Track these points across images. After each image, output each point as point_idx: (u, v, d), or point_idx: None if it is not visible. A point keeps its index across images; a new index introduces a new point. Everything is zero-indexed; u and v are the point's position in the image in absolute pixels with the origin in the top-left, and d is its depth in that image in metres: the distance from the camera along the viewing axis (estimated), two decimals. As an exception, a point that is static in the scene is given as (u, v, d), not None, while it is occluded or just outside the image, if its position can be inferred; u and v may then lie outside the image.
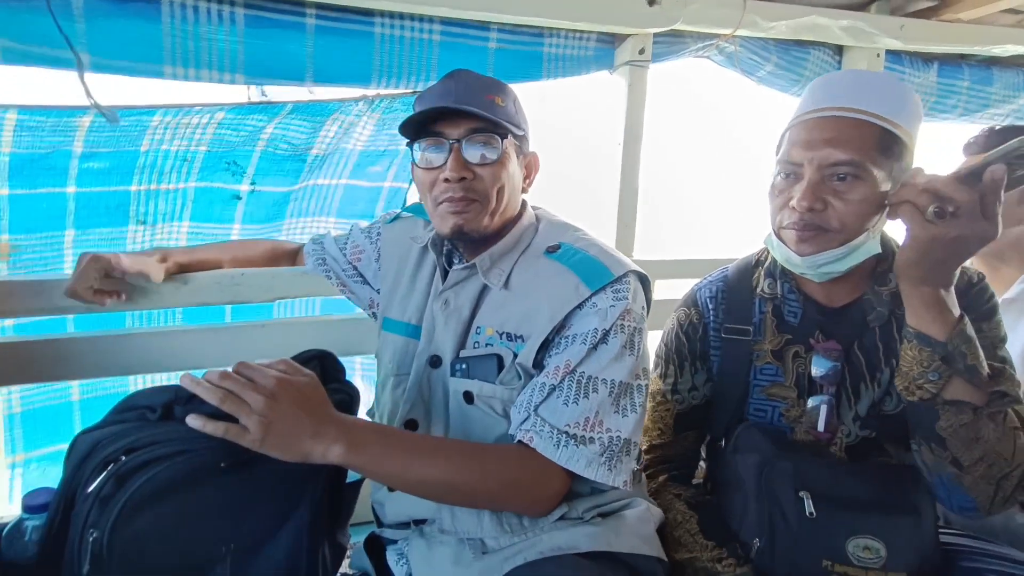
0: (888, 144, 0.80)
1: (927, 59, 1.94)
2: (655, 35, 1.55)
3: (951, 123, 2.06)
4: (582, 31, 1.53)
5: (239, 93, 1.50)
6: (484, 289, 0.94)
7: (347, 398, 0.98)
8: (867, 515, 0.85)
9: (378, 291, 1.11)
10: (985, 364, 0.76)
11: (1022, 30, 1.90)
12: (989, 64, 2.05)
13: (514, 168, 0.92)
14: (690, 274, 1.61)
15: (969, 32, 1.77)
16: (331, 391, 0.81)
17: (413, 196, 1.65)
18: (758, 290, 0.98)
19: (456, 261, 0.98)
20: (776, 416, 0.95)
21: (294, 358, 1.01)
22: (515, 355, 0.88)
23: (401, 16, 1.39)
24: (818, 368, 0.91)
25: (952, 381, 0.75)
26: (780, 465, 0.89)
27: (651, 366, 1.08)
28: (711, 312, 1.00)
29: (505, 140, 0.89)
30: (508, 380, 0.89)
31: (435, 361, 0.96)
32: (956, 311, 0.75)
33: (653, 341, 0.99)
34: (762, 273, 0.99)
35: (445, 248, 1.00)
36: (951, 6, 1.68)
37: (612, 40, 1.57)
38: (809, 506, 0.86)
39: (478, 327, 0.93)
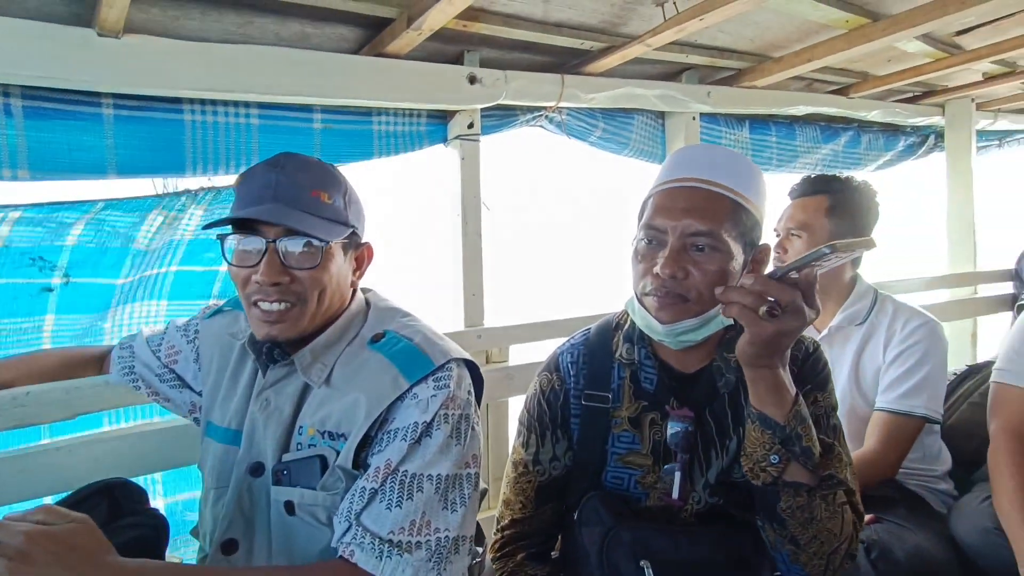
0: (740, 217, 0.85)
1: (739, 119, 2.16)
2: (483, 110, 1.60)
3: (771, 173, 2.30)
4: (409, 109, 1.55)
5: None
6: (306, 387, 0.88)
7: (149, 532, 0.87)
8: None
9: (200, 394, 1.02)
10: (817, 443, 0.79)
11: (810, 93, 2.18)
12: (791, 122, 2.32)
13: (339, 266, 0.88)
14: (542, 336, 1.64)
15: (766, 96, 2.00)
16: (123, 528, 0.70)
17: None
18: (617, 355, 0.98)
19: (277, 358, 0.91)
20: (632, 484, 0.94)
21: (72, 495, 0.88)
22: (338, 454, 0.83)
23: (213, 103, 1.33)
24: (672, 435, 0.91)
25: (790, 464, 0.78)
26: (620, 535, 0.89)
27: (515, 434, 1.06)
28: (572, 377, 0.99)
29: (329, 244, 0.85)
30: (331, 484, 0.83)
31: (256, 469, 0.88)
32: (792, 390, 0.78)
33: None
34: (621, 337, 0.99)
35: (265, 345, 0.92)
36: (749, 75, 1.89)
37: (444, 116, 1.61)
38: (649, 575, 0.87)
39: (300, 427, 0.87)
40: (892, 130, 2.69)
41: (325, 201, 0.86)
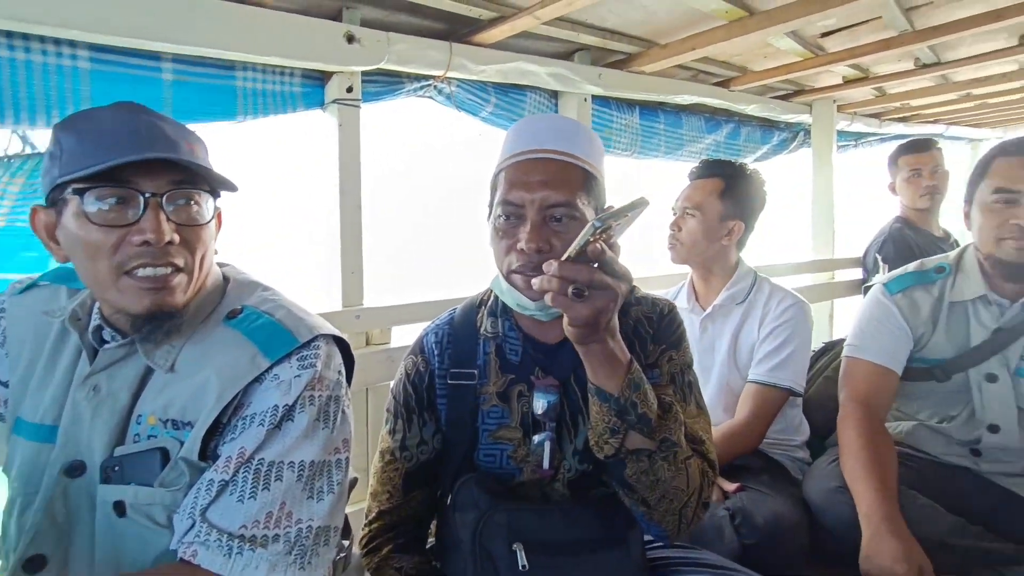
0: (592, 185, 0.85)
1: (629, 104, 2.20)
2: (365, 74, 1.48)
3: (660, 160, 2.37)
4: (280, 67, 1.40)
5: None
6: (148, 371, 0.76)
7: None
8: (578, 558, 0.86)
9: (6, 384, 0.84)
10: (655, 407, 0.79)
11: (695, 83, 2.26)
12: (678, 111, 2.41)
13: (213, 229, 0.80)
14: (425, 317, 1.56)
15: (654, 83, 2.05)
16: None
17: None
18: (482, 330, 0.96)
19: (109, 339, 0.78)
20: (504, 459, 0.92)
21: None
22: (182, 445, 0.72)
23: (25, 37, 1.11)
24: (539, 405, 0.90)
25: (629, 433, 0.78)
26: (493, 519, 0.87)
27: (383, 421, 1.01)
28: (436, 358, 0.96)
29: (214, 198, 0.76)
30: (171, 480, 0.72)
31: (75, 469, 0.75)
32: (625, 358, 0.78)
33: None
34: (485, 313, 0.98)
35: (93, 322, 0.79)
36: (637, 59, 1.92)
37: (321, 77, 1.48)
38: (522, 558, 0.85)
39: (139, 416, 0.75)
40: (768, 125, 2.88)
41: (199, 154, 0.76)
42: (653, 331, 0.94)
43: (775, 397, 1.40)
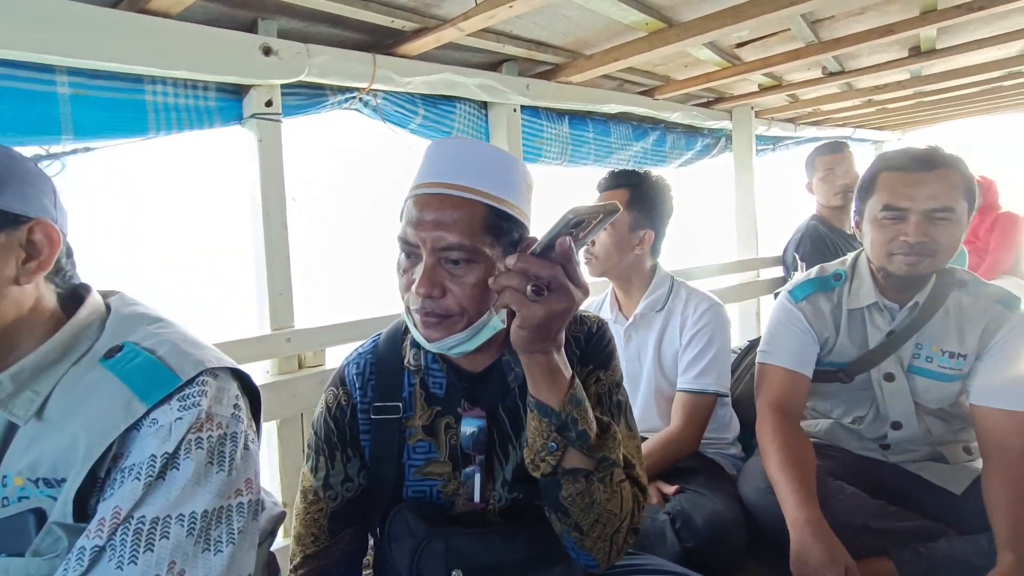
0: (499, 225, 0.78)
1: (559, 114, 2.23)
2: (285, 87, 1.43)
3: (589, 167, 2.41)
4: (193, 80, 1.33)
5: None
6: (11, 425, 0.68)
7: None
8: None
9: None
10: (593, 425, 0.77)
11: (622, 93, 2.32)
12: (607, 119, 2.46)
13: None
14: (360, 336, 1.52)
15: (582, 93, 2.08)
16: None
17: None
18: (406, 361, 0.91)
19: None
20: (435, 494, 0.89)
21: None
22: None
23: None
24: (467, 437, 0.87)
25: (568, 451, 0.76)
26: (431, 547, 0.83)
27: (304, 459, 0.95)
28: (358, 391, 0.90)
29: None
30: (47, 547, 0.64)
31: None
32: (568, 373, 0.76)
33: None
34: (409, 342, 0.92)
35: None
36: (564, 70, 1.95)
37: (238, 91, 1.41)
38: None
39: (4, 477, 0.67)
40: (692, 131, 3.00)
41: None
42: (580, 352, 0.90)
43: (705, 402, 1.44)
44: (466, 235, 0.76)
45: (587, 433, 0.75)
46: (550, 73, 1.98)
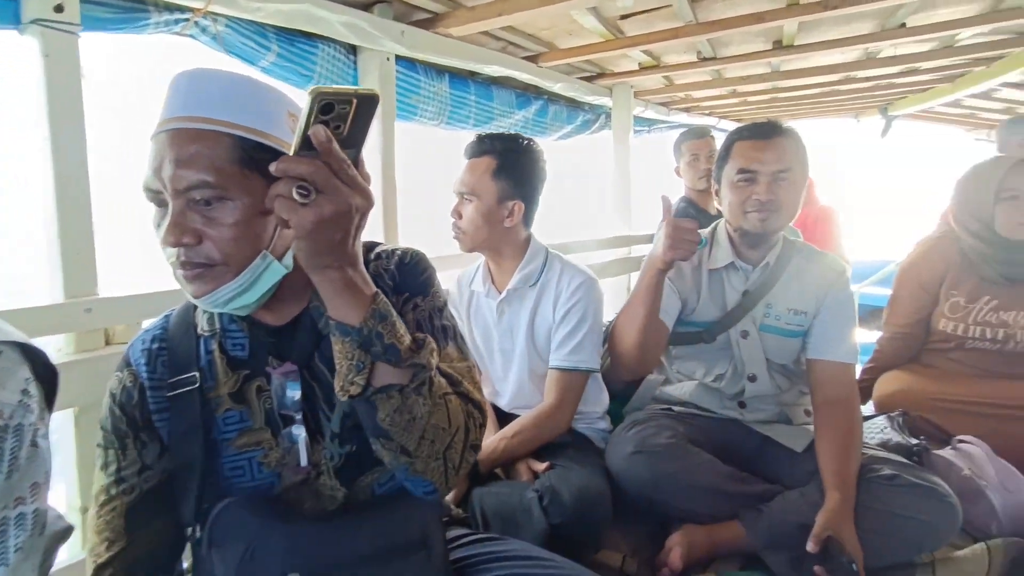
0: (249, 154, 0.69)
1: (439, 71, 2.07)
2: (85, -8, 1.13)
3: (469, 131, 2.28)
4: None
5: None
6: None
7: None
8: (373, 571, 0.75)
9: None
10: (406, 340, 0.70)
11: (505, 55, 2.21)
12: (490, 83, 2.35)
13: None
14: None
15: (463, 49, 1.94)
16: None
17: None
18: (199, 329, 0.82)
19: None
20: (255, 468, 0.78)
21: None
22: None
23: None
24: (282, 396, 0.78)
25: (376, 367, 0.68)
26: (266, 546, 0.72)
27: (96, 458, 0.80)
28: (146, 368, 0.81)
29: None
30: None
31: None
32: (370, 289, 0.68)
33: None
34: (201, 309, 0.82)
35: None
36: (444, 20, 1.79)
37: (17, -12, 1.09)
38: None
39: None
40: (574, 105, 2.98)
41: None
42: (394, 282, 0.83)
43: (578, 379, 1.41)
44: (210, 170, 0.67)
45: (396, 346, 0.68)
46: (428, 23, 1.82)
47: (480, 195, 1.39)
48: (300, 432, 0.78)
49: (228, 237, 0.68)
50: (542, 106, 2.69)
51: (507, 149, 1.41)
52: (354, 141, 0.61)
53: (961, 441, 1.54)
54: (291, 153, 0.58)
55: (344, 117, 0.58)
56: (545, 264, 1.47)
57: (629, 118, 3.05)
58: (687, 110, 4.00)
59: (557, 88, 2.57)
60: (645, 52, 2.48)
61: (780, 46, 2.45)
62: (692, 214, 2.62)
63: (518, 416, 1.44)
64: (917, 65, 2.96)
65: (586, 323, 1.41)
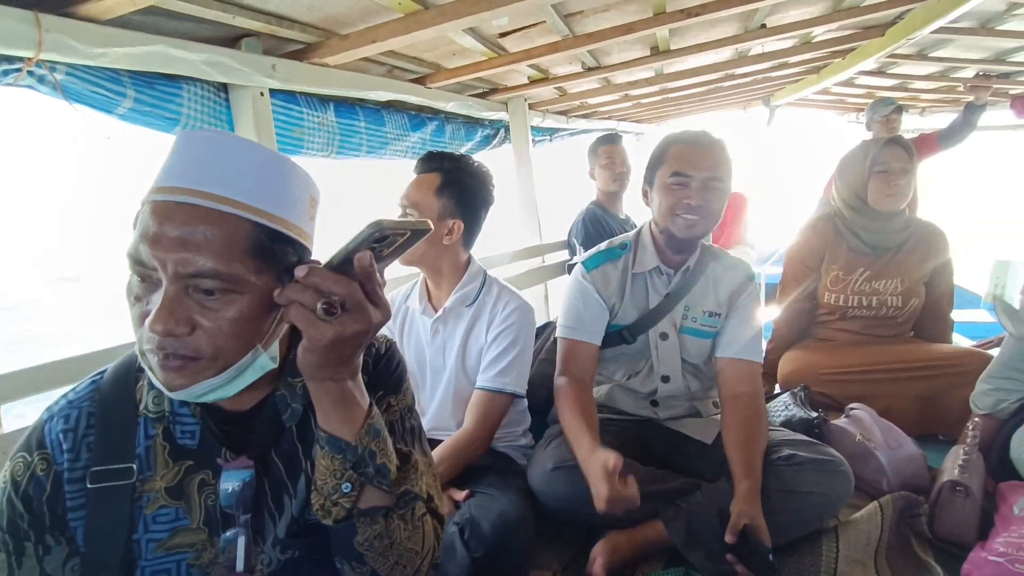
0: (266, 244, 0.62)
1: (323, 100, 2.01)
2: None
3: (362, 159, 2.24)
4: None
5: None
6: None
7: None
8: None
9: None
10: (394, 456, 0.68)
11: (391, 80, 2.19)
12: (379, 108, 2.31)
13: None
14: (61, 383, 1.17)
15: (344, 77, 1.90)
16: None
17: None
18: (143, 407, 0.71)
19: None
20: (184, 572, 0.69)
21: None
22: None
23: None
24: (228, 494, 0.69)
25: (365, 489, 0.66)
26: None
27: None
28: (67, 453, 0.68)
29: None
30: None
31: None
32: (365, 401, 0.67)
33: None
34: (146, 384, 0.72)
35: None
36: (318, 51, 1.74)
37: None
38: None
39: None
40: (472, 122, 2.99)
41: None
42: (368, 376, 0.77)
43: (501, 402, 1.40)
44: (223, 259, 0.59)
45: (387, 467, 0.66)
46: (301, 54, 1.76)
47: (421, 210, 1.37)
48: (241, 535, 0.70)
49: (226, 332, 0.61)
50: (438, 126, 2.68)
51: (454, 168, 1.41)
52: (388, 259, 0.62)
53: (852, 408, 1.66)
54: (324, 265, 0.57)
55: (391, 243, 0.59)
56: (483, 286, 1.47)
57: (527, 130, 3.10)
58: (586, 116, 4.12)
59: (451, 107, 2.57)
60: (532, 66, 2.52)
61: (658, 52, 2.57)
62: (600, 216, 2.69)
63: (434, 438, 1.42)
64: (785, 60, 3.19)
65: (516, 347, 1.41)
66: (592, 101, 3.65)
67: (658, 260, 1.49)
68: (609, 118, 4.56)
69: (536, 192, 3.13)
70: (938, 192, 4.35)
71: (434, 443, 1.39)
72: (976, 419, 1.48)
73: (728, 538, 1.16)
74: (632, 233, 1.57)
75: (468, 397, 1.44)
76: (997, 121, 4.21)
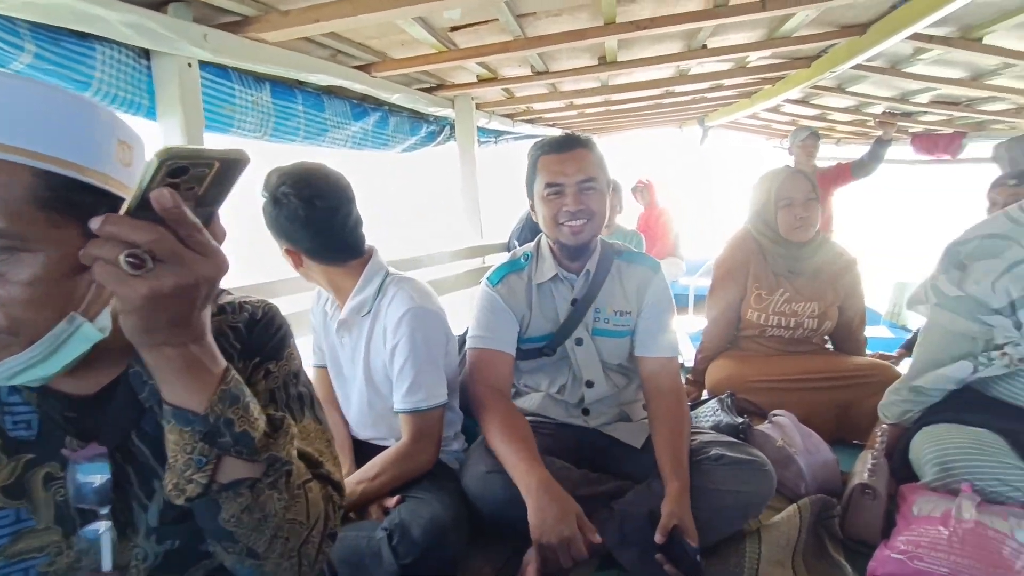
0: (59, 195, 0.53)
1: (259, 79, 1.90)
2: None
3: (298, 145, 2.13)
4: None
5: None
6: None
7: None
8: None
9: None
10: (261, 423, 0.60)
11: (335, 64, 2.10)
12: (320, 92, 2.21)
13: None
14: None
15: (283, 56, 1.80)
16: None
17: None
18: None
19: None
20: None
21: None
22: None
23: None
24: (81, 486, 0.61)
25: (223, 461, 0.58)
26: None
27: None
28: None
29: None
30: None
31: None
32: (219, 366, 0.58)
33: None
34: None
35: None
36: (255, 24, 1.64)
37: None
38: None
39: None
40: (417, 117, 2.93)
41: None
42: (241, 344, 0.72)
43: (428, 417, 1.30)
44: (5, 213, 0.50)
45: (249, 434, 0.58)
46: (236, 26, 1.65)
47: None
48: (105, 529, 0.62)
49: (20, 299, 0.52)
50: (382, 117, 2.60)
51: (270, 193, 1.24)
52: (211, 200, 0.52)
53: (775, 415, 1.74)
54: (123, 212, 0.47)
55: (201, 179, 0.49)
56: (380, 290, 1.34)
57: (472, 129, 3.07)
58: (531, 122, 4.14)
59: (396, 99, 2.50)
60: (481, 64, 2.50)
61: (605, 62, 2.62)
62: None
63: (366, 442, 1.35)
64: (721, 82, 3.34)
65: (416, 359, 1.27)
66: (538, 106, 3.68)
67: (557, 268, 1.48)
68: (554, 125, 4.61)
69: (480, 192, 3.10)
70: (850, 220, 4.70)
71: (378, 450, 1.33)
72: (884, 426, 1.58)
73: (658, 538, 1.17)
74: (532, 244, 1.56)
75: (383, 410, 1.36)
76: (901, 156, 4.60)
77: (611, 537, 1.27)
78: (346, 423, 1.48)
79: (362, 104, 2.48)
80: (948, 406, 1.50)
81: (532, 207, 1.49)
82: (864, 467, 1.46)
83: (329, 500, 0.70)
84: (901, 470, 1.54)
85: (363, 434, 1.42)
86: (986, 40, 2.17)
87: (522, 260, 1.52)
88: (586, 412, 1.55)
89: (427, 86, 2.80)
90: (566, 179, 1.37)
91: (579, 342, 1.50)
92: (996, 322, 1.39)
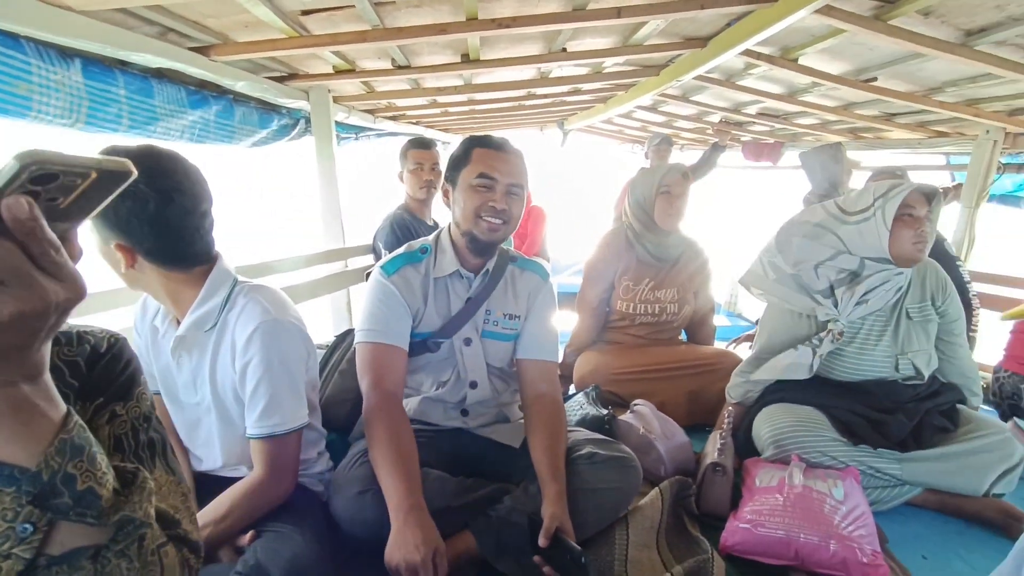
0: None
1: (66, 54, 1.60)
2: None
3: (122, 137, 1.84)
4: None
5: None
6: None
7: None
8: None
9: None
10: (109, 479, 0.51)
11: (165, 44, 1.84)
12: (148, 75, 1.93)
13: None
14: None
15: (94, 28, 1.53)
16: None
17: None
18: None
19: None
20: None
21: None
22: None
23: None
24: None
25: (57, 528, 0.49)
26: None
27: None
28: None
29: None
30: None
31: None
32: (57, 410, 0.48)
33: None
34: None
35: None
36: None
37: None
38: None
39: None
40: (268, 108, 2.69)
41: None
42: (80, 382, 0.62)
43: (284, 443, 1.17)
44: None
45: (94, 493, 0.49)
46: (27, -13, 1.37)
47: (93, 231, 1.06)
48: None
49: None
50: (225, 107, 2.34)
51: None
52: (75, 214, 0.45)
53: (636, 404, 1.84)
54: None
55: (69, 190, 0.42)
56: (228, 301, 1.15)
57: (330, 124, 2.89)
58: (394, 118, 4.01)
59: (240, 87, 2.27)
60: (337, 55, 2.36)
61: (467, 59, 2.60)
62: (408, 221, 2.60)
63: (213, 475, 1.18)
64: (579, 86, 3.50)
65: (272, 378, 1.13)
66: (400, 103, 3.57)
67: (458, 264, 1.45)
68: (418, 123, 4.51)
69: (340, 192, 2.93)
70: (690, 219, 5.22)
71: (228, 483, 1.16)
72: (730, 407, 1.75)
73: (542, 542, 1.17)
74: (432, 237, 1.52)
75: (235, 439, 1.21)
76: (735, 162, 5.18)
77: (488, 546, 1.25)
78: (187, 455, 1.29)
79: (201, 91, 2.21)
80: (782, 385, 1.70)
81: (447, 194, 1.45)
82: (714, 447, 1.60)
83: (185, 565, 0.61)
84: (745, 446, 1.72)
85: (210, 466, 1.26)
86: (801, 60, 2.49)
87: (419, 253, 1.47)
88: (465, 413, 1.53)
89: (277, 75, 2.57)
90: (500, 176, 1.37)
91: (467, 342, 1.47)
92: (820, 300, 1.63)
